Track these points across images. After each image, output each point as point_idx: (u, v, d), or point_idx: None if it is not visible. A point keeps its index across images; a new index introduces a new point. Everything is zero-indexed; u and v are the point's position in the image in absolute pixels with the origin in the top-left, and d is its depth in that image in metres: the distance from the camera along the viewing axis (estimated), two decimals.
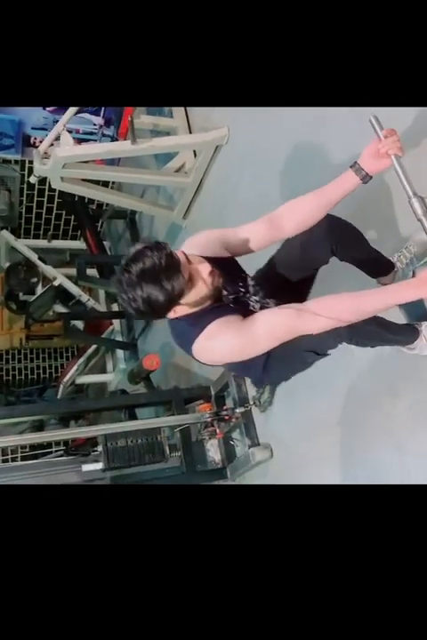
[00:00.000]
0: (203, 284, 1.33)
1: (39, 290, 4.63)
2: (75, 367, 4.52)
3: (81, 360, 4.59)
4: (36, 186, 4.27)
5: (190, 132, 3.44)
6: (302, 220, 1.47)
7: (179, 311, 1.35)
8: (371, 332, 1.46)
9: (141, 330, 4.42)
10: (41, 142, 4.19)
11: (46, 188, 4.46)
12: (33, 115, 4.21)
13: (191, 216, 3.42)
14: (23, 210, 4.69)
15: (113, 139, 4.36)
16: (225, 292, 1.44)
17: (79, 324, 4.73)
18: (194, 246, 1.46)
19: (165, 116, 3.87)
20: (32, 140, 4.36)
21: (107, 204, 4.44)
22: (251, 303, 1.51)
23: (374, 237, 1.83)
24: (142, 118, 3.46)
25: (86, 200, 4.21)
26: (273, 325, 1.35)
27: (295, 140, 2.43)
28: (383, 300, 1.31)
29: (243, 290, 1.51)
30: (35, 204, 4.68)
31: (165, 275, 1.22)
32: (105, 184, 3.59)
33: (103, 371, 5.00)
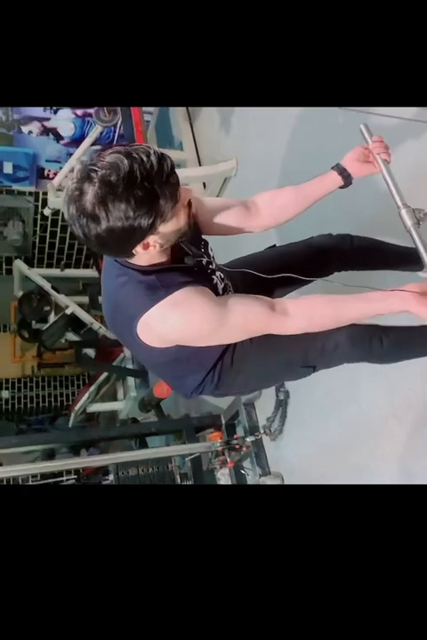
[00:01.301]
0: (183, 212, 1.07)
1: (52, 318, 4.69)
2: (86, 395, 4.54)
3: (92, 388, 4.61)
4: (50, 216, 4.36)
5: (200, 165, 3.52)
6: (278, 211, 1.36)
7: (150, 246, 1.06)
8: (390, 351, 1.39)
9: None
10: (55, 174, 4.32)
11: (59, 218, 4.55)
12: (47, 147, 4.32)
13: None
14: (37, 240, 4.78)
15: None
16: (189, 253, 1.20)
17: (91, 351, 4.77)
18: None
19: (175, 148, 3.97)
20: (46, 173, 4.46)
21: None
22: (215, 278, 1.29)
23: None
24: None
25: None
26: (249, 315, 1.18)
27: (303, 173, 2.48)
28: (366, 309, 1.21)
29: (206, 257, 1.28)
30: (48, 234, 4.77)
31: (163, 184, 0.96)
32: None
33: (114, 398, 5.01)
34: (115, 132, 4.41)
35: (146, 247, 1.05)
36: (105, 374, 4.78)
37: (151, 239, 1.04)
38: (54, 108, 4.08)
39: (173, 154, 3.68)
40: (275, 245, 1.57)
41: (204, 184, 3.25)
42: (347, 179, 1.31)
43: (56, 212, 3.60)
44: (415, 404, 1.78)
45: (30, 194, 4.43)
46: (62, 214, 3.36)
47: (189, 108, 3.86)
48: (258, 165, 2.89)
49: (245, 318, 1.17)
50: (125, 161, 0.93)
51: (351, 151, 1.30)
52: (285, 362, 1.39)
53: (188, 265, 1.18)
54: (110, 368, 4.67)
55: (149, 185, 0.94)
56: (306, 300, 1.23)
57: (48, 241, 4.84)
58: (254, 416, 2.79)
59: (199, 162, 3.57)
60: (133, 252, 1.05)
